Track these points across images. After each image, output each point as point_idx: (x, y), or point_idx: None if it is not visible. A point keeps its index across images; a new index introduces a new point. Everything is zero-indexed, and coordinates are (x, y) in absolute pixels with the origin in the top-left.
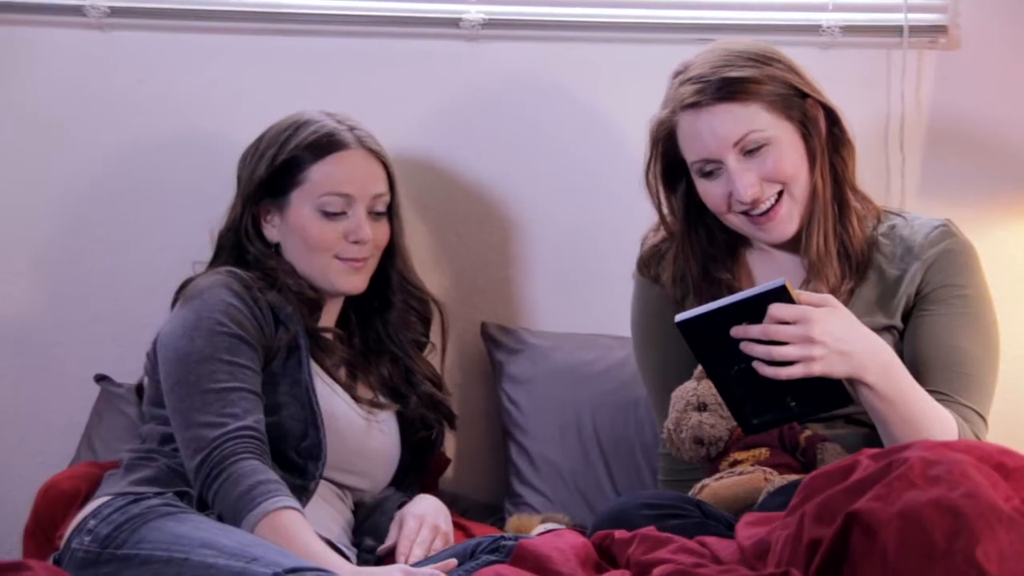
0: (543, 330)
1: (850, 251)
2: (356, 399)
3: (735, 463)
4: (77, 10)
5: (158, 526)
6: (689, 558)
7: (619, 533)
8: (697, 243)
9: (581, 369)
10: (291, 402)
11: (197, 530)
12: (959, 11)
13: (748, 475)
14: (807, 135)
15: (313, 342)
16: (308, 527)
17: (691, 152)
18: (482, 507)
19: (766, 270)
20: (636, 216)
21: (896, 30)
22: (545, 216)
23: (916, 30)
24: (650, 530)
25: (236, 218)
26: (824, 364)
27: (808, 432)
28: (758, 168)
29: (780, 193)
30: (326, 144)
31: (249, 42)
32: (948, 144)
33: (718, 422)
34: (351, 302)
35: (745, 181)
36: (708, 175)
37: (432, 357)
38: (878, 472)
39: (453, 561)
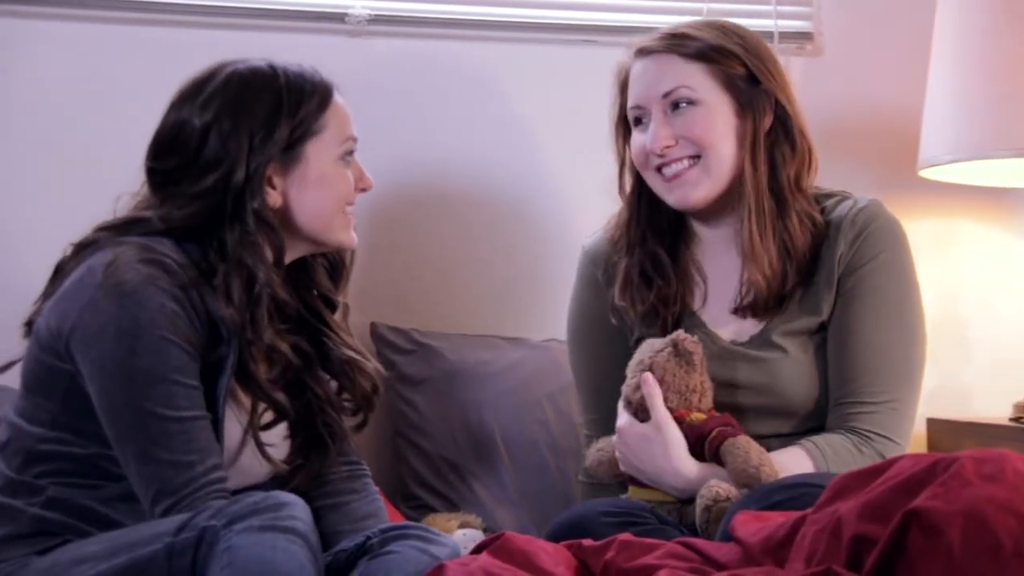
0: (433, 331)
1: (792, 252)
2: (251, 421)
3: None
4: None
5: (24, 573)
6: (680, 563)
7: (587, 542)
8: (644, 206)
9: (479, 369)
10: None
11: (63, 554)
12: (822, 19)
13: None
14: (743, 115)
15: (249, 351)
16: None
17: (630, 97)
18: None
19: (710, 265)
20: (524, 215)
21: (767, 36)
22: (432, 215)
23: (785, 36)
24: (627, 536)
25: (238, 181)
26: None
27: (713, 434)
28: (679, 125)
29: (696, 159)
30: (324, 89)
31: (128, 32)
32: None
33: None
34: None
35: (659, 132)
36: (638, 123)
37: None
38: (924, 471)
39: None
